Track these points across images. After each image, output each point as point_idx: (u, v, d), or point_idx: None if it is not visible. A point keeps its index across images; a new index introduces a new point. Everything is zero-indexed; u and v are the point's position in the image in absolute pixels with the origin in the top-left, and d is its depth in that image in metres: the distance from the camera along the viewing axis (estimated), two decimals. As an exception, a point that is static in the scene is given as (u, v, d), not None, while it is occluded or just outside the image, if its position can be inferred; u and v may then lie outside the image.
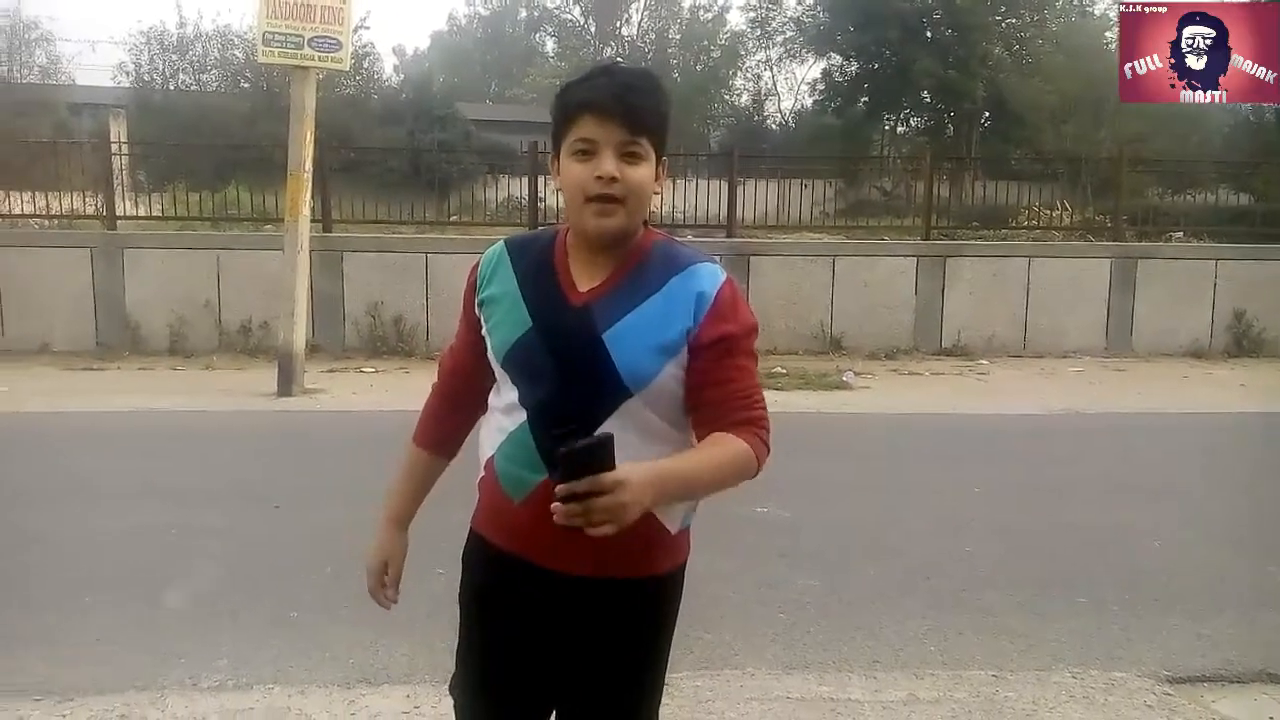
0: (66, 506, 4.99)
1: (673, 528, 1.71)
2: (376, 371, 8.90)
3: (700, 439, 1.67)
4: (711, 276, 1.65)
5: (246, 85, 28.69)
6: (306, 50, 7.28)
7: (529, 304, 1.65)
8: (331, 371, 8.69)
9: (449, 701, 2.91)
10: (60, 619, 3.65)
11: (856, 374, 9.11)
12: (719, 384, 1.63)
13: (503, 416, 1.70)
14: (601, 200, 1.57)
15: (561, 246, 1.69)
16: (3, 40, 33.60)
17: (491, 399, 1.76)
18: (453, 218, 12.13)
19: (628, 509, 1.41)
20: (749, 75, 38.81)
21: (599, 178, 1.57)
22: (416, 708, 3.00)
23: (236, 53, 30.64)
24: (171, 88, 29.72)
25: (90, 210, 10.48)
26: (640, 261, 1.65)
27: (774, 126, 35.93)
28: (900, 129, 31.44)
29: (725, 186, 10.94)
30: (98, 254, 9.57)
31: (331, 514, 4.82)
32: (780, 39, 34.66)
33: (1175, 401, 8.21)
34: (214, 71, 31.12)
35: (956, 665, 3.38)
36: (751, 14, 35.52)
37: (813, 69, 34.36)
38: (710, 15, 41.55)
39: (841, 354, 10.08)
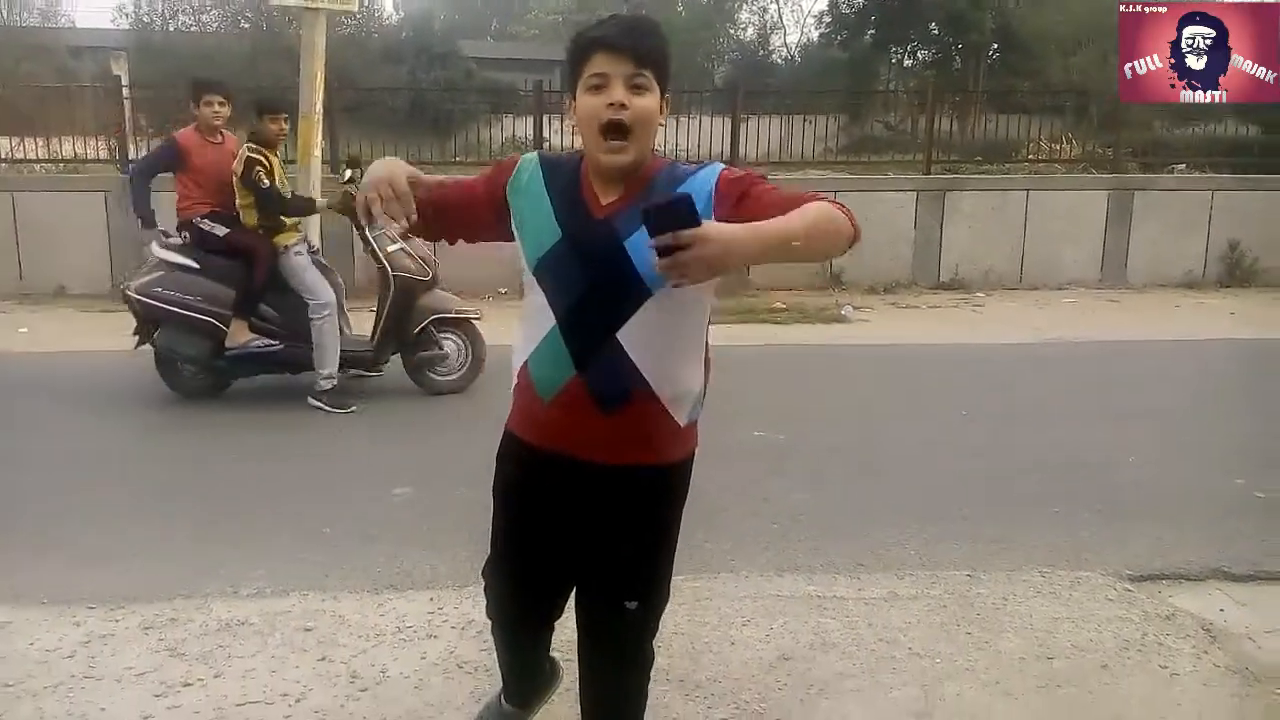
0: (77, 430, 5.29)
1: (682, 421, 1.99)
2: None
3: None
4: (710, 171, 1.88)
5: (246, 25, 28.51)
6: (316, -9, 7.39)
7: (559, 217, 1.91)
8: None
9: (469, 603, 3.27)
10: (103, 535, 3.96)
11: (855, 308, 9.33)
12: (768, 203, 1.77)
13: (532, 326, 1.96)
14: (614, 131, 1.81)
15: (585, 170, 1.94)
16: (3, -17, 33.28)
17: (522, 314, 2.01)
18: (456, 158, 12.23)
19: (717, 259, 1.55)
20: (754, 8, 38.36)
21: (610, 104, 1.81)
22: (440, 609, 3.29)
23: (236, -8, 30.44)
24: (171, 28, 29.51)
25: (103, 154, 10.63)
26: (653, 178, 1.90)
27: (779, 61, 35.56)
28: (907, 62, 31.12)
29: (728, 123, 11.03)
30: (111, 197, 9.74)
31: (358, 444, 5.12)
32: (785, -30, 34.21)
33: (1164, 329, 8.43)
34: (213, 11, 30.88)
35: (934, 566, 3.67)
36: (757, -54, 35.00)
37: (819, 1, 33.98)
38: (714, -52, 40.91)
39: (841, 289, 10.27)
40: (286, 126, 5.95)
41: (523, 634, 2.30)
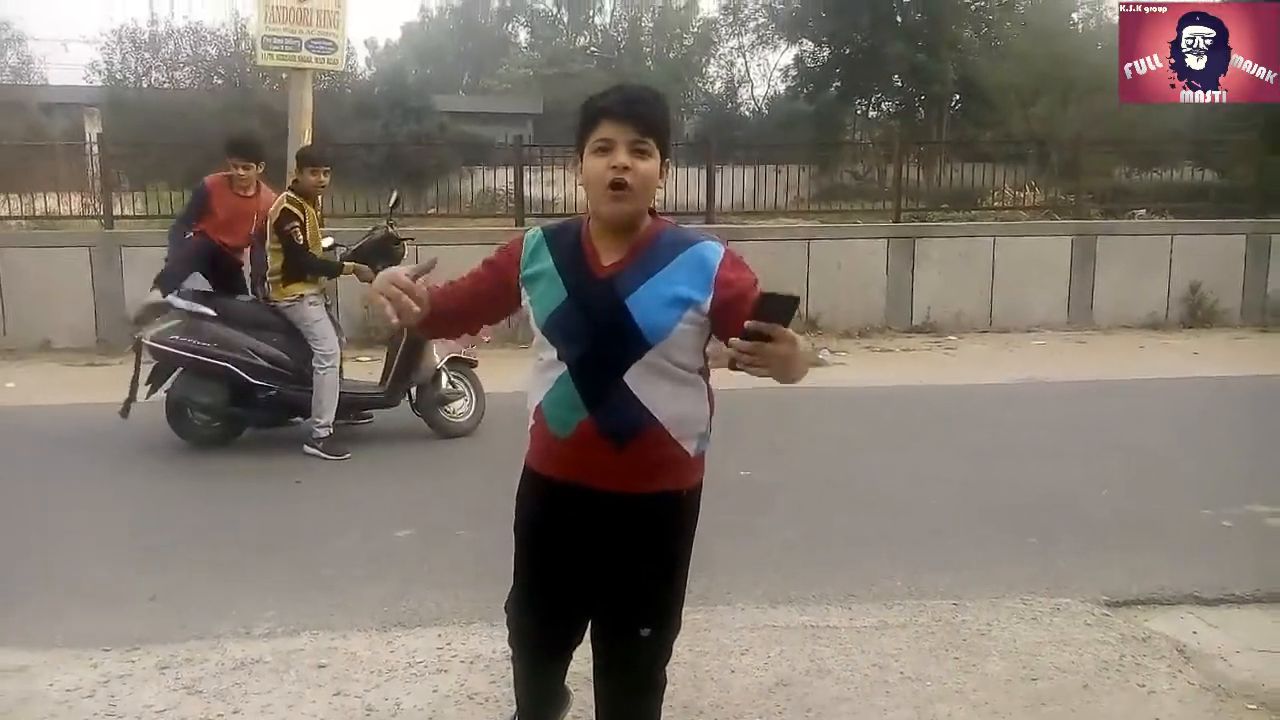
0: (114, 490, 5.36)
1: (691, 451, 2.15)
2: (371, 360, 9.25)
3: None
4: (714, 250, 2.09)
5: (219, 82, 28.79)
6: (304, 52, 7.65)
7: (565, 279, 2.08)
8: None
9: (476, 639, 3.40)
10: (116, 578, 4.04)
11: (832, 352, 9.55)
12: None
13: (546, 371, 2.12)
14: (616, 187, 1.99)
15: (587, 233, 2.12)
16: (-27, 42, 33.42)
17: (535, 360, 2.17)
18: (430, 210, 12.41)
19: (785, 361, 1.76)
20: (722, 62, 39.21)
21: (614, 167, 1.99)
22: (448, 644, 3.40)
23: (209, 49, 30.74)
24: (145, 85, 29.72)
25: (83, 210, 10.74)
26: (652, 242, 2.08)
27: (748, 114, 36.29)
28: (872, 113, 31.90)
29: (703, 174, 11.33)
30: (96, 252, 9.84)
31: (356, 489, 5.23)
32: (753, 25, 35.05)
33: (1130, 369, 8.71)
34: (186, 69, 31.15)
35: (921, 595, 3.83)
36: (724, 1, 35.86)
37: (785, 55, 34.82)
38: (683, 3, 41.91)
39: (818, 333, 10.50)
40: (326, 179, 5.95)
41: (542, 661, 2.43)
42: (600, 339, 2.05)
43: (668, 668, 2.34)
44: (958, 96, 28.91)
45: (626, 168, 1.99)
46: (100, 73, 30.45)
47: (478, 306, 2.25)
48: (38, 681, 3.18)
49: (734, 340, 1.75)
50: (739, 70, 39.42)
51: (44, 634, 3.50)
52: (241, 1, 63.70)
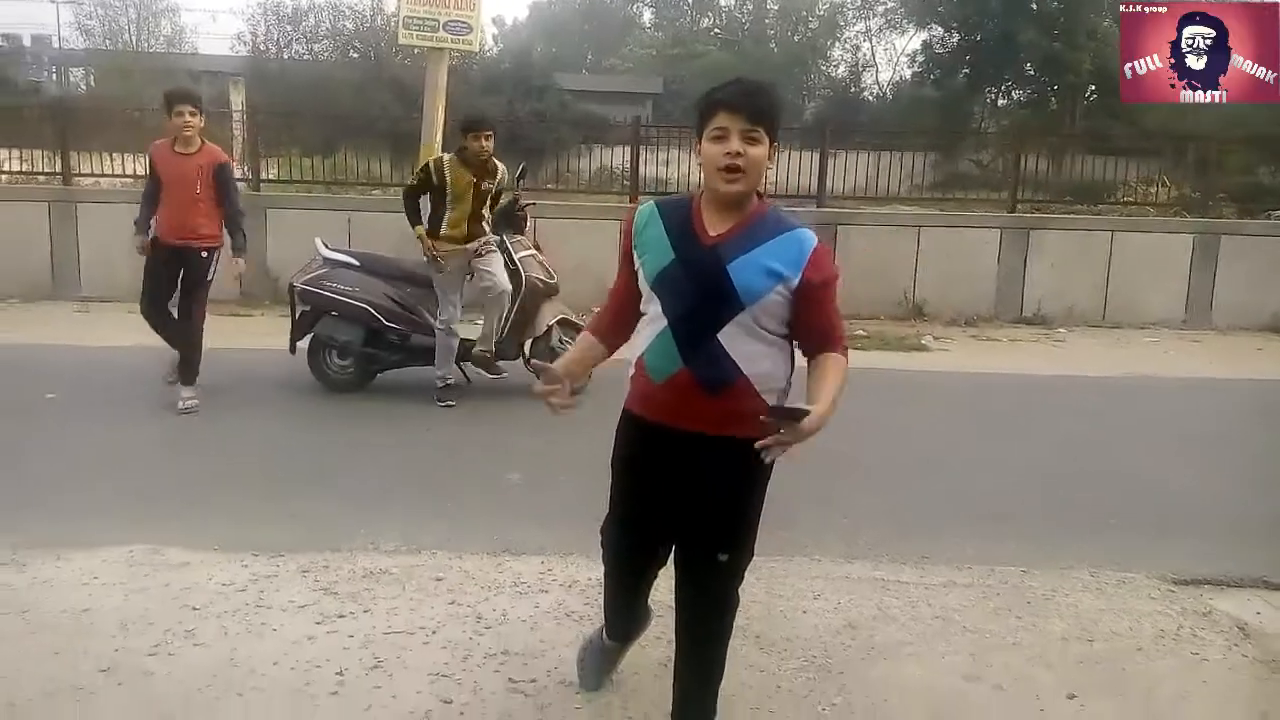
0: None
1: (771, 401, 2.45)
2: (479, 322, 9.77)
3: (805, 350, 2.47)
4: (810, 238, 2.41)
5: (355, 55, 30.01)
6: (441, 33, 8.14)
7: (674, 243, 2.41)
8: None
9: (574, 567, 3.79)
10: (262, 499, 4.58)
11: (936, 339, 9.64)
12: (820, 316, 2.43)
13: (650, 325, 2.47)
14: (729, 170, 2.31)
15: (698, 207, 2.45)
16: (133, 11, 35.51)
17: (643, 317, 2.51)
18: (549, 185, 12.87)
19: (802, 439, 2.26)
20: (847, 46, 38.79)
21: (728, 153, 2.31)
22: (549, 570, 3.80)
23: (347, 23, 32.06)
24: (286, 57, 31.13)
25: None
26: (757, 219, 2.40)
27: (871, 98, 35.89)
28: (1002, 102, 31.18)
29: (817, 158, 11.46)
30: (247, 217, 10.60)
31: (475, 437, 5.70)
32: (880, 9, 34.63)
33: (1241, 370, 8.56)
34: (325, 41, 32.52)
35: (992, 562, 4.05)
36: (852, -15, 35.46)
37: (913, 40, 34.27)
38: (810, -15, 41.49)
39: (923, 320, 10.58)
40: (488, 143, 6.12)
41: (630, 578, 2.78)
42: (701, 298, 2.38)
43: (743, 607, 2.67)
44: (1092, 88, 28.03)
45: (739, 154, 2.31)
46: (245, 43, 32.02)
47: (633, 296, 2.54)
48: (198, 575, 3.70)
49: (764, 442, 2.27)
50: (864, 54, 38.99)
51: (202, 540, 4.02)
52: (379, -22, 66.00)
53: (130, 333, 7.04)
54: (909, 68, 34.16)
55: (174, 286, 6.00)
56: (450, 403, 6.34)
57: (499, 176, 6.30)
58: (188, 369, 6.05)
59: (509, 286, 6.38)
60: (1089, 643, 3.38)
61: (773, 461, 2.54)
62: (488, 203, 6.34)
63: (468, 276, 6.44)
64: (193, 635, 3.23)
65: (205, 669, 3.02)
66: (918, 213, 11.40)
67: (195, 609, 3.42)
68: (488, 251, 6.38)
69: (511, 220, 6.64)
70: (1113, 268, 10.82)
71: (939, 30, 30.34)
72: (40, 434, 5.55)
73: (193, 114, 5.78)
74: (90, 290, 10.06)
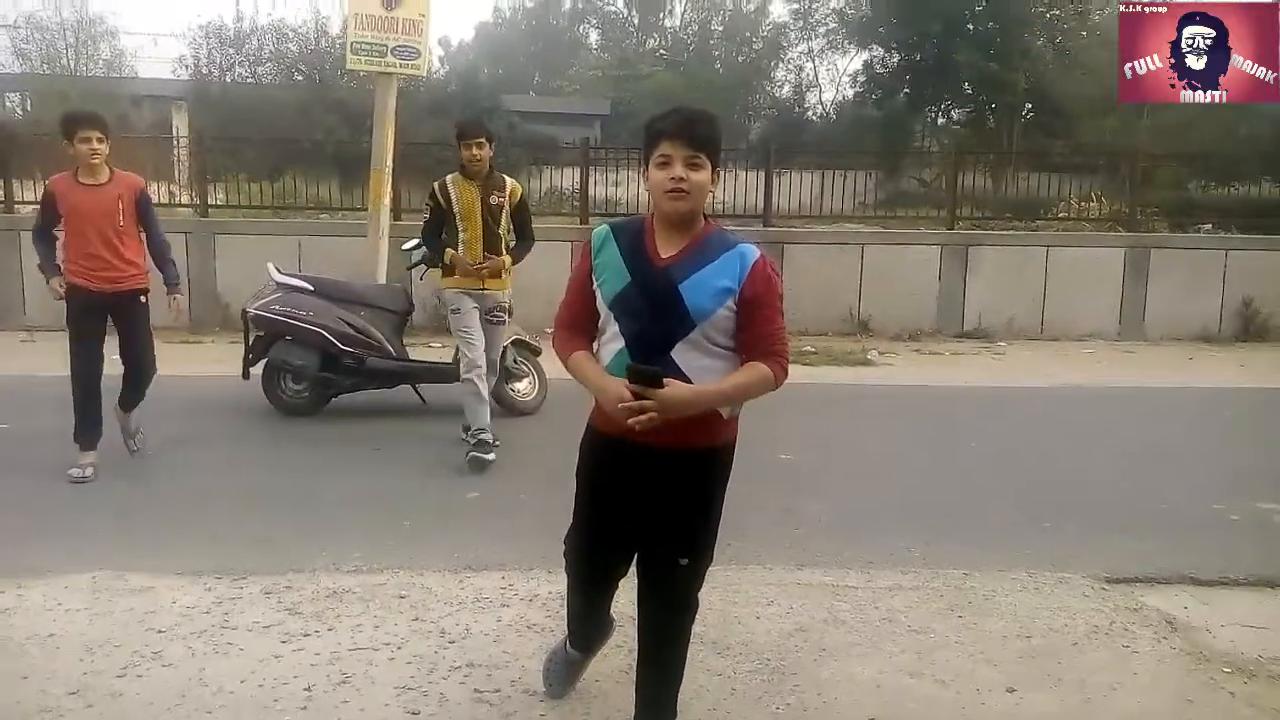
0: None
1: (724, 414, 2.60)
2: (443, 346, 9.83)
3: (743, 360, 2.57)
4: (751, 252, 2.57)
5: (300, 78, 29.84)
6: (389, 58, 8.22)
7: (629, 266, 2.56)
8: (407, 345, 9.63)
9: (535, 581, 3.89)
10: (221, 523, 4.61)
11: (880, 354, 9.90)
12: (755, 326, 2.54)
13: (609, 345, 2.61)
14: (674, 193, 2.47)
15: (650, 228, 2.59)
16: (70, 35, 34.94)
17: (601, 335, 2.65)
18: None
19: (662, 415, 2.39)
20: (790, 67, 39.33)
21: (672, 178, 2.47)
22: (510, 585, 3.90)
23: (291, 46, 31.84)
24: (229, 80, 30.83)
25: (169, 199, 11.43)
26: (703, 240, 2.56)
27: (815, 118, 36.46)
28: (941, 120, 31.88)
29: (762, 178, 11.72)
30: (191, 239, 10.57)
31: (430, 457, 5.77)
32: (823, 30, 35.23)
33: (1173, 378, 8.93)
34: (269, 65, 32.26)
35: (935, 566, 4.22)
36: (794, 5, 36.05)
37: (854, 60, 35.01)
38: (753, 7, 42.11)
39: (868, 336, 10.86)
40: (481, 151, 5.54)
41: (594, 586, 2.89)
42: (655, 318, 2.52)
43: (699, 615, 2.79)
44: (1029, 106, 28.80)
45: (683, 179, 2.47)
46: (187, 67, 31.62)
47: (592, 315, 2.66)
48: (162, 599, 3.73)
49: (619, 406, 2.42)
50: (807, 75, 39.58)
51: (165, 565, 4.05)
52: (322, 1, 65.58)
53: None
54: (851, 88, 34.77)
55: (103, 339, 5.31)
56: (487, 457, 5.51)
57: (509, 190, 5.68)
58: (130, 402, 5.57)
59: (493, 372, 5.89)
60: (1027, 639, 3.56)
61: (728, 469, 2.69)
62: (503, 222, 5.68)
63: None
64: (160, 657, 3.28)
65: (174, 689, 3.07)
66: (861, 231, 11.70)
67: (161, 631, 3.46)
68: (497, 320, 5.80)
69: None
70: (1049, 282, 11.19)
71: (879, 51, 30.96)
72: (-7, 464, 5.53)
73: (100, 140, 5.04)
74: (36, 319, 9.96)
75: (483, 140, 5.56)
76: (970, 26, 28.60)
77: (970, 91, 29.65)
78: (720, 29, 42.63)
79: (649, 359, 2.50)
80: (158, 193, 11.66)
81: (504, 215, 5.67)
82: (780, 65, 39.40)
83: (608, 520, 2.73)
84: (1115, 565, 4.27)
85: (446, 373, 6.65)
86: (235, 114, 22.80)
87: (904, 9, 27.95)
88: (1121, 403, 7.89)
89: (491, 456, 5.51)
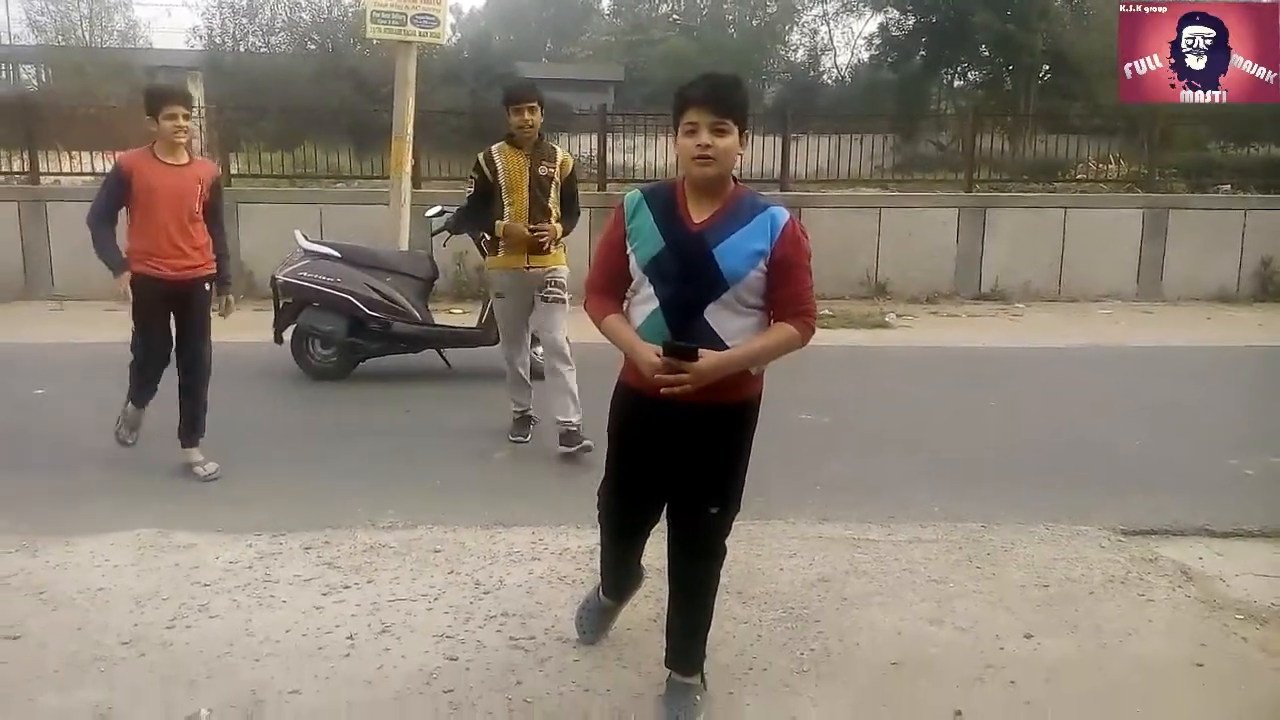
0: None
1: (752, 371, 2.70)
2: (464, 312, 9.94)
3: (774, 318, 2.67)
4: (782, 214, 2.65)
5: (313, 47, 29.80)
6: (409, 27, 8.28)
7: (663, 230, 2.64)
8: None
9: (564, 536, 4.02)
10: (260, 483, 4.75)
11: (898, 316, 9.95)
12: (786, 286, 2.63)
13: (641, 305, 2.70)
14: (701, 159, 2.55)
15: (681, 193, 2.67)
16: (85, 6, 34.97)
17: (633, 296, 2.74)
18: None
19: (696, 384, 2.49)
20: (805, 30, 38.96)
21: (699, 145, 2.54)
22: (540, 540, 4.02)
23: (304, 15, 31.78)
24: (242, 50, 30.80)
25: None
26: (735, 203, 2.64)
27: (830, 82, 36.17)
28: (958, 83, 31.58)
29: (779, 142, 11.72)
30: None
31: (459, 419, 5.89)
32: (837, -7, 34.82)
33: (1191, 338, 8.96)
34: (282, 34, 32.21)
35: (954, 519, 4.32)
36: (808, -33, 35.68)
37: (870, 23, 34.49)
38: (767, -31, 41.64)
39: (886, 299, 10.89)
40: (532, 116, 5.07)
41: (626, 537, 3.00)
42: (689, 280, 2.61)
43: (725, 567, 2.89)
44: (1047, 67, 28.46)
45: (709, 145, 2.54)
46: (201, 37, 31.61)
47: (625, 278, 2.74)
48: (205, 554, 3.87)
49: (657, 376, 2.53)
50: (822, 38, 39.20)
51: (206, 523, 4.19)
52: (334, -32, 65.15)
53: (111, 329, 7.13)
54: (866, 51, 34.42)
55: (170, 332, 4.88)
56: (522, 438, 5.49)
57: (559, 160, 5.22)
58: (195, 427, 5.01)
59: (571, 362, 5.18)
60: (1044, 588, 3.66)
61: (755, 421, 2.78)
62: (551, 194, 5.21)
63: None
64: (206, 609, 3.41)
65: (223, 638, 3.21)
66: (879, 194, 11.70)
67: (206, 585, 3.60)
68: (554, 297, 5.20)
69: None
70: (1067, 244, 11.19)
71: (895, 13, 30.63)
72: (35, 428, 5.69)
73: (186, 117, 4.68)
74: (64, 289, 10.11)
75: (534, 104, 5.09)
76: (987, -13, 28.28)
77: (987, 54, 29.32)
78: (734, -8, 42.18)
79: (683, 320, 2.60)
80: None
81: (553, 187, 5.21)
82: (795, 29, 39.06)
83: (639, 472, 2.83)
84: (1132, 518, 4.35)
85: (470, 337, 6.77)
86: (250, 84, 22.77)
87: (920, -31, 27.66)
88: (1139, 362, 7.93)
89: (525, 438, 5.46)
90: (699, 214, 2.63)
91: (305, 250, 6.67)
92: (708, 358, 2.50)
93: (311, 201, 10.76)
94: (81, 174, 11.14)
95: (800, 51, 38.90)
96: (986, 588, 3.64)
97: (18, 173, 11.01)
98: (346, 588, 3.59)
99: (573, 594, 3.50)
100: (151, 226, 4.65)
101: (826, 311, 9.81)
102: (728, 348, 2.59)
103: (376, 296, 6.65)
